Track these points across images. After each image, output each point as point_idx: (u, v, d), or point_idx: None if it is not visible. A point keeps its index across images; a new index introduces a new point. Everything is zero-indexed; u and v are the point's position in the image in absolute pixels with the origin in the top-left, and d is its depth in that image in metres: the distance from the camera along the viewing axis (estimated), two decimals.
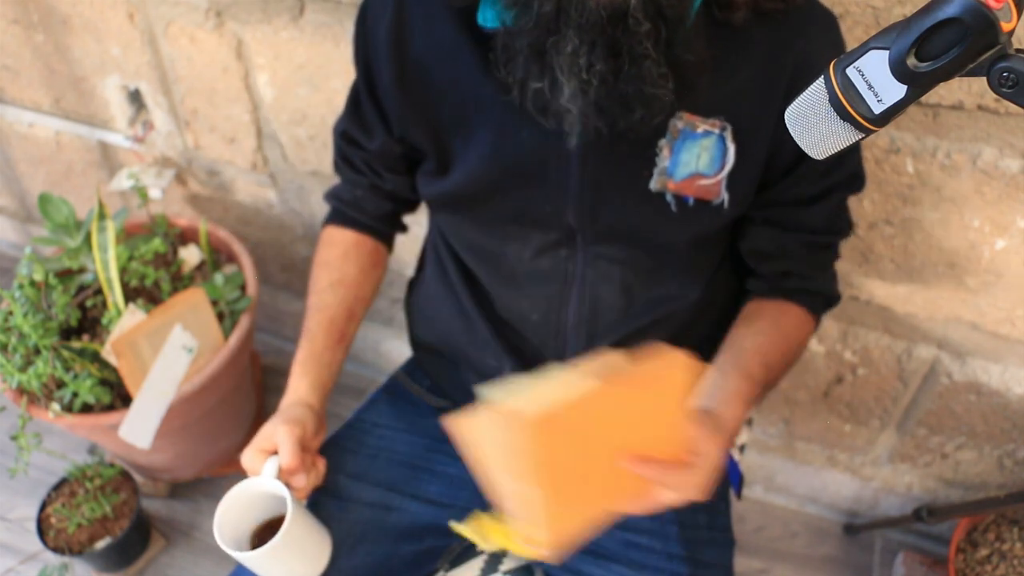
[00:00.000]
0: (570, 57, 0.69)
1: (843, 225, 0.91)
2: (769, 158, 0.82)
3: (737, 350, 0.87)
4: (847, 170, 0.86)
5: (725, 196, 0.81)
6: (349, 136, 0.96)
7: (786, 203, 0.86)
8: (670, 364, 0.66)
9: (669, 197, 0.81)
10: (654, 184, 0.80)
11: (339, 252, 1.00)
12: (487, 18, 0.76)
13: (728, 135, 0.78)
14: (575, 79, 0.70)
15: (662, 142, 0.78)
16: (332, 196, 1.03)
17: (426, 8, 0.81)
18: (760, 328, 0.90)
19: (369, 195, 0.99)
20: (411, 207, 1.03)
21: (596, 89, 0.70)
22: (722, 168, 0.80)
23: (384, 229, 1.04)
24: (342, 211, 1.02)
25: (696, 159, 0.79)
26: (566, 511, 0.66)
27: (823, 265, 0.93)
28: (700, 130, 0.78)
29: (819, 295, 0.93)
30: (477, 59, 0.79)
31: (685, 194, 0.81)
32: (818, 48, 0.78)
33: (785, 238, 0.89)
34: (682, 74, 0.72)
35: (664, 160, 0.79)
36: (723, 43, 0.75)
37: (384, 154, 0.94)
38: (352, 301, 0.99)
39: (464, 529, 0.77)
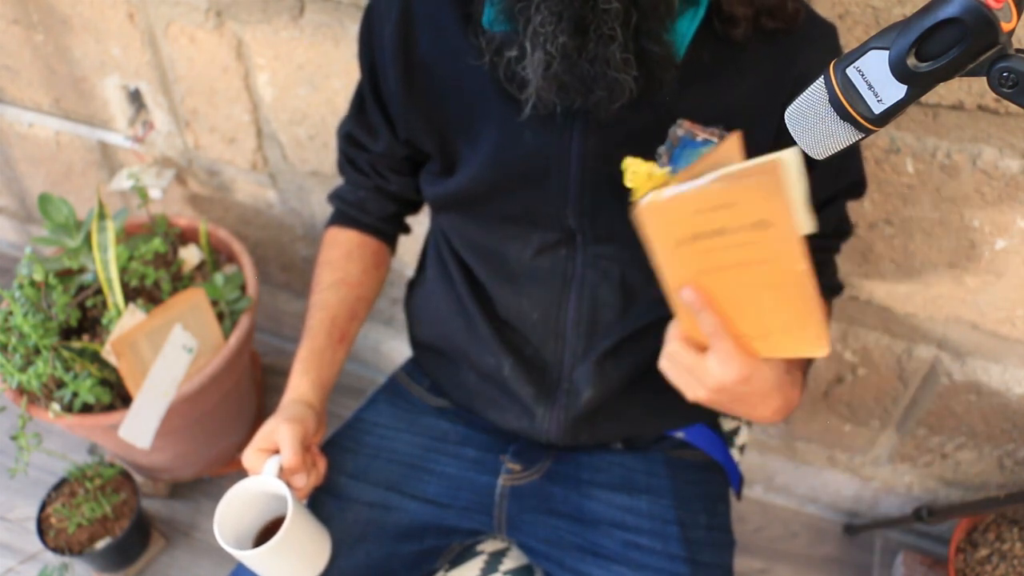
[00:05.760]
0: (537, 27, 0.70)
1: (846, 228, 0.93)
2: None
3: None
4: (851, 176, 0.88)
5: None
6: (353, 138, 0.96)
7: None
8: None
9: None
10: None
11: (342, 252, 1.00)
12: (490, 20, 0.77)
13: None
14: (540, 49, 0.70)
15: (661, 149, 0.79)
16: (335, 197, 1.03)
17: (432, 9, 0.81)
18: None
19: (373, 196, 0.99)
20: (415, 208, 1.04)
21: (559, 63, 0.70)
22: None
23: (387, 230, 1.04)
24: (346, 212, 1.02)
25: None
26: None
27: (828, 262, 0.95)
28: (700, 138, 0.78)
29: (825, 287, 0.94)
30: (481, 60, 0.79)
31: None
32: (819, 65, 0.78)
33: None
34: (648, 66, 0.72)
35: (662, 167, 0.79)
36: (724, 55, 0.76)
37: (388, 156, 0.94)
38: (354, 300, 0.99)
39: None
